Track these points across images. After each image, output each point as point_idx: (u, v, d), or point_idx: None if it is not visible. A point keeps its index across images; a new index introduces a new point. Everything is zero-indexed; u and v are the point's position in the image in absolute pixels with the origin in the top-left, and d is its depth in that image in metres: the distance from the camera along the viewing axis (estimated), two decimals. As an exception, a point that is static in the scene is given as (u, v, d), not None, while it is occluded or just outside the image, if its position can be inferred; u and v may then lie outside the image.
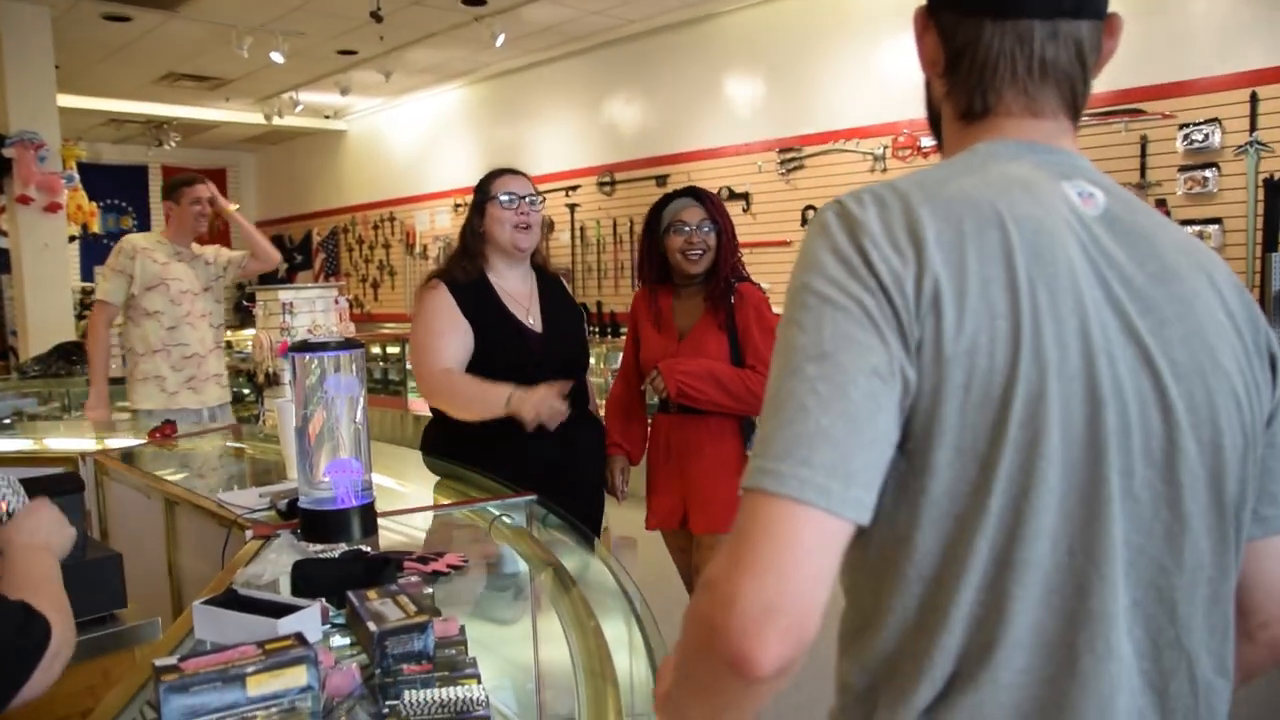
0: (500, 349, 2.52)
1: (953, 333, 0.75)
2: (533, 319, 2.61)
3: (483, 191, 2.62)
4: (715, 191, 6.66)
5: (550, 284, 2.75)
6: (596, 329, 7.82)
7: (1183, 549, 0.81)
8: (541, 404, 2.30)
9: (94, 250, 9.83)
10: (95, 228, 6.82)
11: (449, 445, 2.54)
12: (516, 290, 2.63)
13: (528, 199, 2.59)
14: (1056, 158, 0.87)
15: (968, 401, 0.75)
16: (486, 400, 2.36)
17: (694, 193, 2.70)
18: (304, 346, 1.62)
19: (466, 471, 2.38)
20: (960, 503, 0.77)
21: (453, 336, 2.49)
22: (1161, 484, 0.80)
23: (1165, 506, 0.80)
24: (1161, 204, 4.87)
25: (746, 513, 0.73)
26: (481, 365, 2.50)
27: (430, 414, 2.69)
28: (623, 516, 2.94)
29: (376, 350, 9.05)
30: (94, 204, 6.72)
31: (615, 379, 2.96)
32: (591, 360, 3.02)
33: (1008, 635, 0.76)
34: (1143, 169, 4.98)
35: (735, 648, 0.69)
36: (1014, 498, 0.76)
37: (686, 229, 2.62)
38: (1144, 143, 4.98)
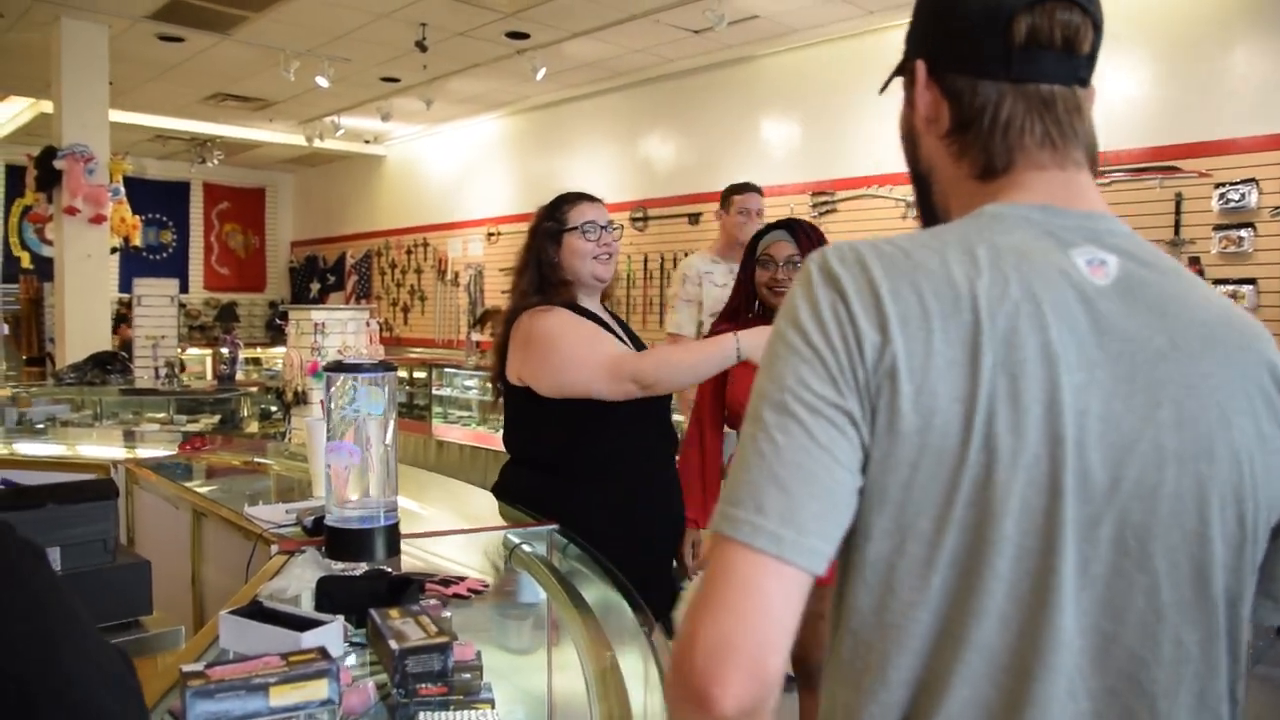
0: None
1: (907, 408, 0.75)
2: (629, 348, 2.40)
3: (557, 220, 2.37)
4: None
5: (617, 319, 2.56)
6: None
7: (1160, 640, 0.78)
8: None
9: (134, 263, 10.03)
10: (136, 241, 6.96)
11: (535, 494, 2.28)
12: (606, 321, 2.43)
13: (607, 227, 2.38)
14: (1071, 221, 0.84)
15: (914, 479, 0.76)
16: (715, 351, 2.18)
17: (789, 225, 2.59)
18: (338, 367, 1.66)
19: (498, 501, 2.36)
20: (898, 573, 0.77)
21: (608, 335, 2.29)
22: (1136, 572, 0.78)
23: (1140, 595, 0.78)
24: (1195, 262, 4.85)
25: (712, 556, 0.75)
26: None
27: (510, 455, 2.44)
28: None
29: (404, 374, 9.13)
30: (137, 217, 6.86)
31: (689, 428, 2.73)
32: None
33: (947, 707, 0.76)
34: (1177, 226, 4.96)
35: (697, 686, 0.71)
36: (959, 577, 0.76)
37: (771, 264, 2.53)
38: (1178, 200, 4.97)
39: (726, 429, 2.70)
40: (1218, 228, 4.80)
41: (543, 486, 2.29)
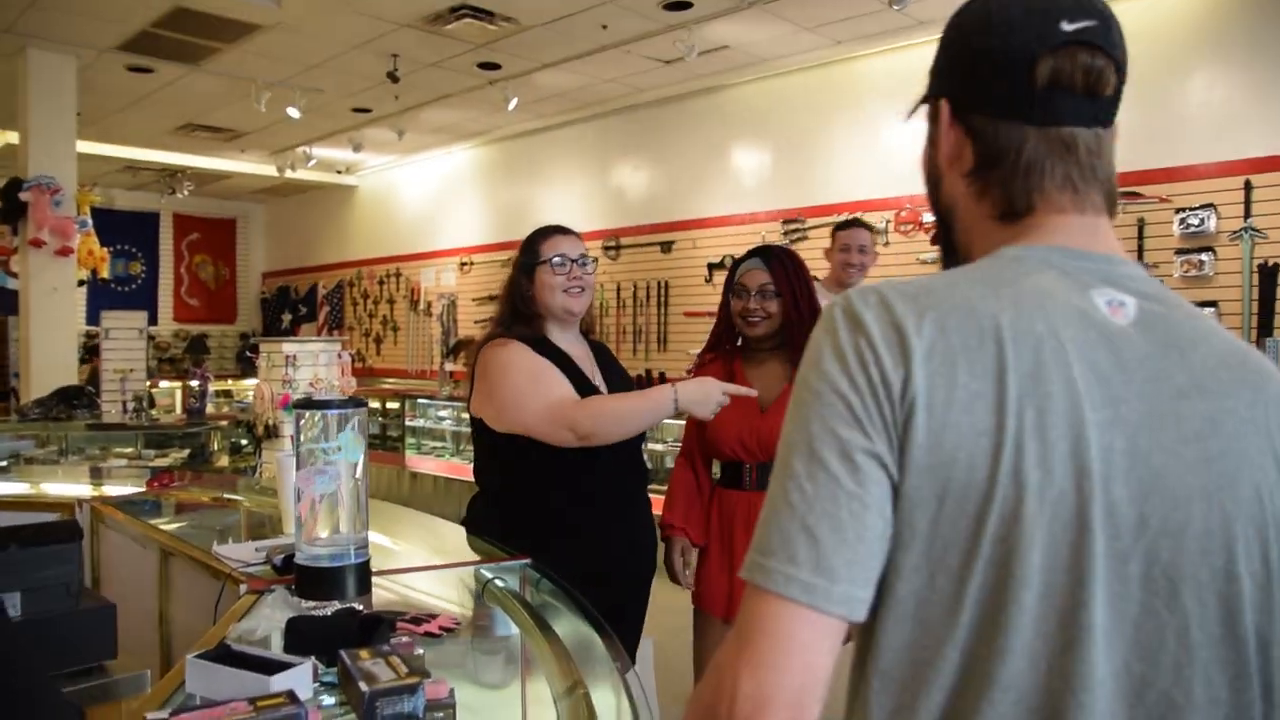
0: None
1: (932, 444, 0.75)
2: (599, 383, 2.43)
3: (531, 253, 2.41)
4: (720, 260, 6.86)
5: (600, 350, 2.58)
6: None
7: (1192, 684, 0.77)
8: (711, 398, 2.16)
9: (102, 295, 9.93)
10: (104, 273, 6.89)
11: (505, 527, 2.29)
12: (576, 354, 2.45)
13: (579, 260, 2.39)
14: (1090, 264, 0.85)
15: (941, 513, 0.76)
16: (651, 405, 2.20)
17: (764, 254, 2.55)
18: (308, 403, 1.64)
19: (472, 536, 2.34)
20: (928, 609, 0.77)
21: (557, 376, 2.30)
22: (1166, 613, 0.77)
23: (1171, 635, 0.77)
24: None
25: (745, 605, 0.76)
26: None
27: (479, 487, 2.46)
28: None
29: (376, 405, 9.07)
30: (105, 249, 6.80)
31: (679, 456, 2.71)
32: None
33: None
34: (1140, 251, 5.05)
35: None
36: (987, 614, 0.76)
37: (745, 293, 2.52)
38: (1141, 225, 5.06)
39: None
40: (1179, 252, 4.89)
41: (509, 519, 2.30)
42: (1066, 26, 0.85)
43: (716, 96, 7.15)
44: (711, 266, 7.03)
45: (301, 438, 1.64)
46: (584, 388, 2.34)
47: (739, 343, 2.63)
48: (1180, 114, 5.01)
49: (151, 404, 7.07)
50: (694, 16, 5.53)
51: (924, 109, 0.96)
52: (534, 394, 2.24)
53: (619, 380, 2.56)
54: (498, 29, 5.76)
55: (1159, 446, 0.77)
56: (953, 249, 0.95)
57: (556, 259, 2.37)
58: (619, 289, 7.81)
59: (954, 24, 0.93)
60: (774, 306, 2.49)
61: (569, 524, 2.27)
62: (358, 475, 1.72)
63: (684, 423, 2.67)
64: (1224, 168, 4.82)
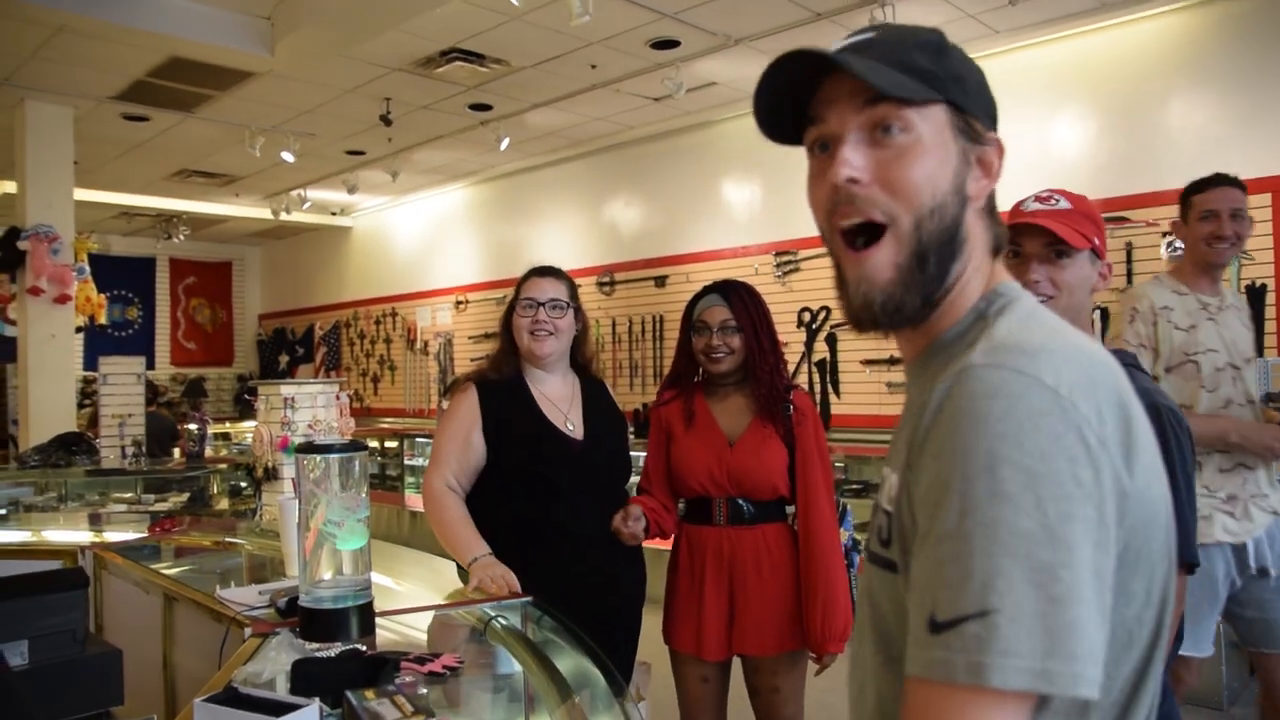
0: (537, 456, 2.42)
1: (1144, 484, 0.79)
2: (571, 425, 2.50)
3: (516, 290, 2.54)
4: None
5: (595, 388, 2.63)
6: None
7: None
8: (494, 582, 2.14)
9: (99, 341, 9.96)
10: (101, 319, 6.93)
11: (501, 541, 2.37)
12: (555, 394, 2.53)
13: (548, 304, 2.47)
14: None
15: (1149, 546, 0.81)
16: (456, 547, 2.30)
17: (721, 290, 2.54)
18: (309, 448, 1.67)
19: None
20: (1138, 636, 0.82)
21: (460, 450, 2.43)
22: None
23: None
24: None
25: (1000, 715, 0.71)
26: (517, 471, 2.42)
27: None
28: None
29: (375, 444, 9.08)
30: (102, 295, 6.84)
31: (639, 487, 2.68)
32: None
33: None
34: (1129, 275, 5.10)
35: None
36: (1161, 629, 0.84)
37: (706, 330, 2.50)
38: (1129, 249, 5.12)
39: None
40: (1169, 275, 4.94)
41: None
42: None
43: (706, 132, 7.24)
44: (705, 299, 7.09)
45: (302, 483, 1.67)
46: (546, 436, 2.44)
47: (698, 378, 2.62)
48: (1164, 139, 5.09)
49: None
50: (681, 55, 5.62)
51: (943, 119, 0.91)
52: (435, 460, 2.46)
53: (609, 422, 2.61)
54: (488, 71, 5.85)
55: None
56: (943, 277, 0.90)
57: (525, 301, 2.49)
58: (614, 324, 7.86)
59: (966, 62, 0.94)
60: (736, 341, 2.49)
61: (540, 560, 2.31)
62: (360, 513, 1.74)
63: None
64: (1208, 191, 4.88)
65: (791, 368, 6.53)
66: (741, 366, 2.51)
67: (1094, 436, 0.74)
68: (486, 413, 2.46)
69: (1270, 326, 4.65)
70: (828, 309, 6.42)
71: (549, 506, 2.40)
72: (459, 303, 9.45)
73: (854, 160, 0.88)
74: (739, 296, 2.53)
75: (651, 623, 2.59)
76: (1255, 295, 4.66)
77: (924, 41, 0.92)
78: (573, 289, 2.59)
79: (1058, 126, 5.48)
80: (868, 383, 6.25)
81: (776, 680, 2.44)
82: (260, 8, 5.34)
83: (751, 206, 7.03)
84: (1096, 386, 0.78)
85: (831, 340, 6.40)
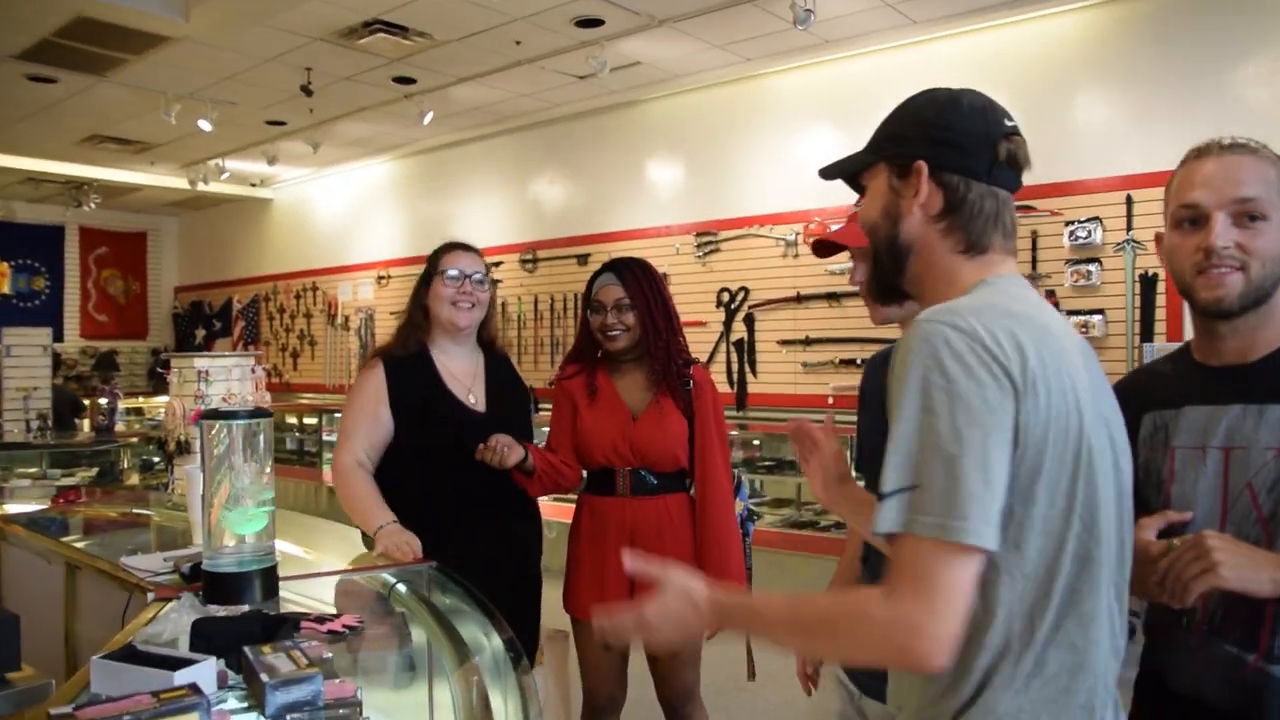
0: (438, 429, 2.50)
1: (1046, 405, 1.07)
2: (474, 398, 2.59)
3: (431, 264, 2.62)
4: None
5: (498, 363, 2.73)
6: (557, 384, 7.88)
7: (1126, 548, 1.19)
8: (398, 549, 2.23)
9: (4, 313, 9.62)
10: (4, 288, 6.72)
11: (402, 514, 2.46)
12: (459, 368, 2.61)
13: (473, 276, 2.57)
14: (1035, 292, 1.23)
15: (1056, 455, 1.08)
16: (363, 517, 2.38)
17: (615, 268, 2.62)
18: (213, 414, 1.69)
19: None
20: (1052, 523, 1.09)
21: (369, 427, 2.51)
22: (1123, 504, 1.18)
23: (1125, 525, 1.18)
24: (1051, 295, 5.19)
25: (924, 555, 1.03)
26: (420, 445, 2.50)
27: None
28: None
29: (293, 420, 8.97)
30: (5, 264, 6.63)
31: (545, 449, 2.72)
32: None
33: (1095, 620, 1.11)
34: (1034, 261, 5.31)
35: (919, 662, 1.02)
36: (1086, 515, 1.10)
37: (602, 309, 2.58)
38: (1035, 238, 5.32)
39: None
40: (1069, 262, 5.15)
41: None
42: (1008, 122, 1.24)
43: (630, 111, 7.28)
44: (628, 278, 7.14)
45: (205, 451, 1.69)
46: (448, 408, 2.53)
47: (599, 354, 2.69)
48: (1068, 131, 5.29)
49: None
50: (605, 34, 5.64)
51: (881, 172, 1.29)
52: (346, 429, 2.53)
53: (513, 395, 2.69)
54: (412, 44, 5.80)
55: (1105, 402, 1.18)
56: (898, 276, 1.28)
57: (451, 272, 2.56)
58: (536, 301, 7.88)
59: (912, 109, 1.28)
60: (630, 319, 2.56)
61: (434, 534, 2.35)
62: (265, 477, 1.77)
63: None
64: (1107, 183, 5.10)
65: (710, 347, 6.64)
66: (640, 343, 2.58)
67: (998, 367, 1.06)
68: (393, 388, 2.53)
69: (1160, 314, 4.88)
70: (746, 289, 6.53)
71: (450, 477, 2.48)
72: (381, 278, 9.36)
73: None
74: (633, 274, 2.59)
75: (553, 592, 2.65)
76: (1147, 284, 4.89)
77: (890, 116, 1.30)
78: (486, 265, 2.67)
79: (969, 116, 5.64)
80: (784, 362, 6.39)
81: (674, 645, 2.51)
82: (174, -30, 5.21)
83: (674, 186, 7.10)
84: (1008, 333, 1.08)
85: (749, 320, 6.52)
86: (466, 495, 2.48)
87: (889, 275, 1.29)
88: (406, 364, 2.56)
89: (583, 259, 7.53)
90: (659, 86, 6.82)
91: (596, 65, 5.78)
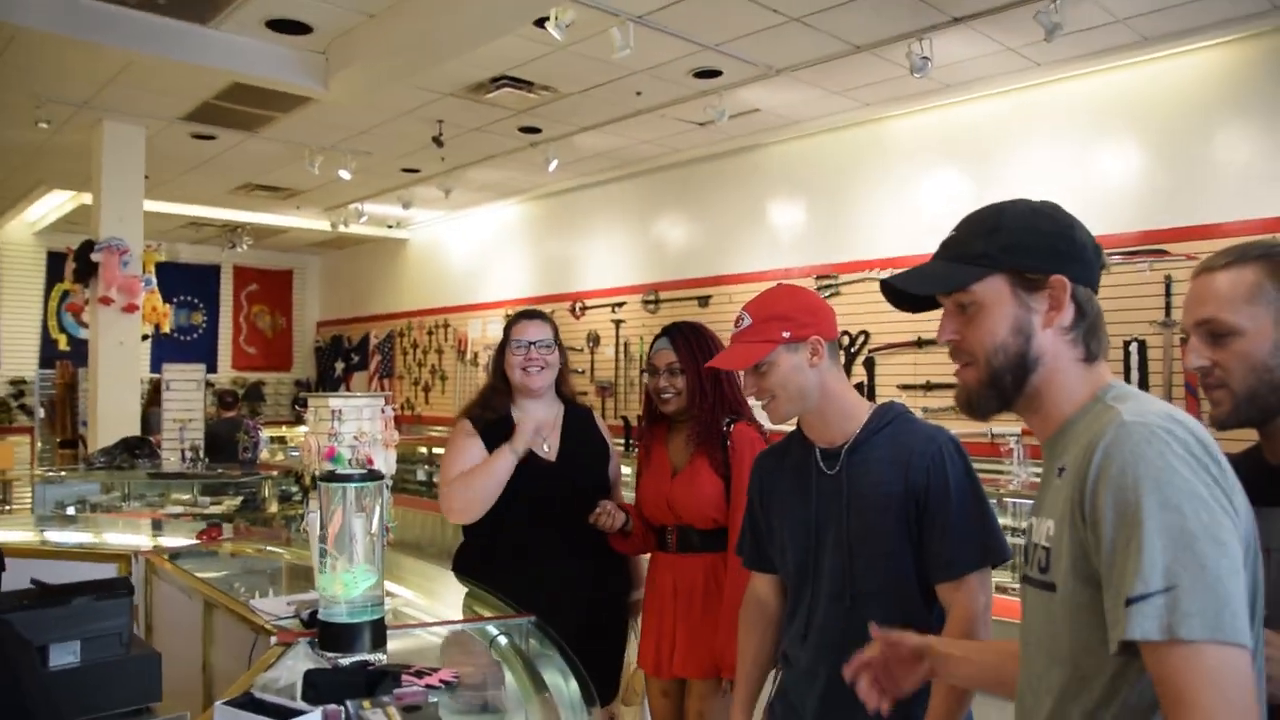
0: (512, 479, 2.70)
1: (1245, 507, 1.11)
2: (548, 447, 2.80)
3: (505, 334, 2.86)
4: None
5: (578, 417, 2.93)
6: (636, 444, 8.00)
7: None
8: (529, 429, 2.65)
9: (165, 345, 10.38)
10: (166, 328, 7.26)
11: (485, 560, 2.77)
12: (538, 421, 2.81)
13: (536, 345, 2.79)
14: None
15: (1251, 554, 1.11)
16: (494, 464, 2.69)
17: (670, 332, 2.72)
18: (330, 477, 1.84)
19: (483, 591, 2.56)
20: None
21: (467, 455, 2.77)
22: None
23: None
24: (1184, 342, 4.97)
25: (1222, 659, 1.01)
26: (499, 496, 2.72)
27: (463, 536, 2.90)
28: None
29: (424, 451, 9.32)
30: (168, 305, 7.17)
31: None
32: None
33: None
34: (1167, 308, 5.11)
35: None
36: (1256, 607, 1.11)
37: (656, 372, 2.70)
38: (1168, 283, 5.12)
39: None
40: (1204, 310, 4.93)
41: (468, 568, 2.75)
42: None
43: (751, 156, 7.36)
44: (746, 320, 7.18)
45: (323, 507, 1.83)
46: (525, 460, 2.72)
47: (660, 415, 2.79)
48: (1206, 172, 5.08)
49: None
50: (723, 83, 5.75)
51: (1002, 284, 1.30)
52: (447, 476, 2.78)
53: (589, 447, 2.86)
54: (536, 97, 6.04)
55: None
56: (1021, 385, 1.28)
57: (516, 343, 2.79)
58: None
59: (1021, 219, 1.30)
60: (680, 383, 2.65)
61: (514, 579, 2.56)
62: (373, 531, 1.90)
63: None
64: (1248, 226, 4.86)
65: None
66: (690, 405, 2.66)
67: (1216, 467, 1.10)
68: (482, 435, 2.78)
69: None
70: (866, 333, 6.48)
71: (525, 523, 2.69)
72: (509, 315, 9.65)
73: (948, 327, 1.35)
74: (684, 339, 2.69)
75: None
76: None
77: (979, 229, 1.33)
78: (555, 329, 2.89)
79: (1099, 158, 5.49)
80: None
81: (702, 704, 2.59)
82: (316, 43, 5.60)
83: (794, 229, 7.12)
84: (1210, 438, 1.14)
85: (869, 364, 6.47)
86: (541, 541, 2.70)
87: (1009, 386, 1.28)
88: (493, 424, 2.79)
89: (704, 300, 7.62)
90: (778, 132, 6.89)
91: (715, 114, 5.89)
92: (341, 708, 1.53)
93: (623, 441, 7.94)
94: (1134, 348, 5.22)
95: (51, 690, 1.08)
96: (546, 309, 9.19)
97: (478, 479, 2.69)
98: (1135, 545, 1.05)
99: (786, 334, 1.87)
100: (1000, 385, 1.28)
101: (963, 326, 1.32)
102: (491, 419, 2.81)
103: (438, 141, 6.75)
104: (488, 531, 2.76)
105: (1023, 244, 1.28)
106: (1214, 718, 0.99)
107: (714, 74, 5.64)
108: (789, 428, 2.02)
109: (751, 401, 2.67)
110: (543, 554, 2.71)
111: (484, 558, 2.76)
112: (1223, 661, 1.00)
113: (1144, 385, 5.17)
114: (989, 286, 1.29)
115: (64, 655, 1.93)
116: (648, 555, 2.83)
